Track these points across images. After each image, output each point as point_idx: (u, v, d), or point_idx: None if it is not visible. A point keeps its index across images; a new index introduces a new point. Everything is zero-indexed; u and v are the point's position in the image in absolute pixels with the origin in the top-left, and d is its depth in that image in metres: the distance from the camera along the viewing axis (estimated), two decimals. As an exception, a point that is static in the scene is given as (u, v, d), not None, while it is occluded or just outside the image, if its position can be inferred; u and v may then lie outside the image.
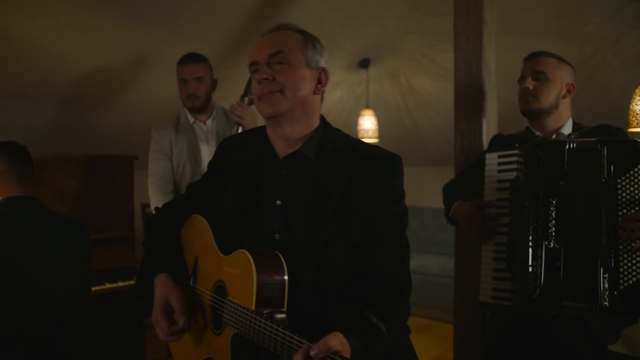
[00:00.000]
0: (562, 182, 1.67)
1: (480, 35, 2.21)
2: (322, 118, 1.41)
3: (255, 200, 1.37)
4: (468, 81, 2.24)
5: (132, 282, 2.91)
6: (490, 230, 1.82)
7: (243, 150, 1.43)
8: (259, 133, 1.44)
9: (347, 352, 1.05)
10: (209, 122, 2.67)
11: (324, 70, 1.36)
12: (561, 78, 1.92)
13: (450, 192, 2.08)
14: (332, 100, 4.45)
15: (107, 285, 2.80)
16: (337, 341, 1.04)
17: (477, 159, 2.09)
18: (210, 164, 1.54)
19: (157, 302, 1.36)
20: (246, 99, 2.42)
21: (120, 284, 2.86)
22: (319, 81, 1.35)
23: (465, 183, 2.07)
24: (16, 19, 2.70)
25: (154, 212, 2.55)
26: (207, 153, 2.64)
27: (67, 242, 2.11)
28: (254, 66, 1.33)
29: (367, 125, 4.14)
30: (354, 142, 1.38)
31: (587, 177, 1.66)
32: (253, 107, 2.57)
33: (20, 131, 3.27)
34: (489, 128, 2.26)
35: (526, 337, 1.78)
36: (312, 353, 1.00)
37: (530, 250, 1.69)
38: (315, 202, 1.30)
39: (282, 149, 1.37)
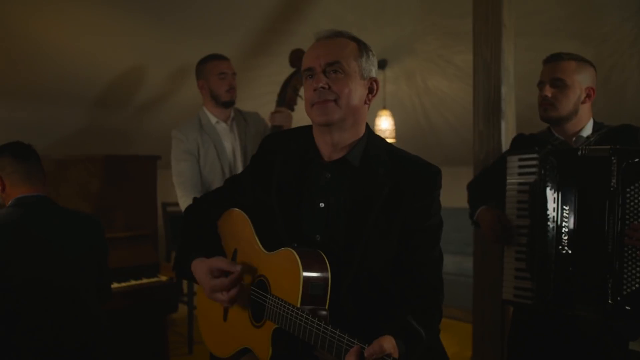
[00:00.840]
0: (573, 190, 1.71)
1: (499, 37, 2.25)
2: (367, 126, 1.45)
3: (298, 200, 1.41)
4: (487, 83, 2.28)
5: (156, 279, 2.99)
6: (509, 239, 1.87)
7: (288, 150, 1.46)
8: (305, 134, 1.46)
9: (396, 355, 1.09)
10: (229, 122, 2.75)
11: (375, 80, 1.40)
12: (580, 83, 1.91)
13: (475, 193, 2.13)
14: (349, 100, 4.50)
15: (132, 282, 2.88)
16: (390, 344, 1.09)
17: (499, 159, 2.13)
18: (253, 159, 1.56)
19: (203, 275, 1.40)
20: (282, 105, 2.50)
21: (145, 280, 2.94)
22: (370, 91, 1.39)
23: (488, 182, 2.11)
24: (49, 23, 2.78)
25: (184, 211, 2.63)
26: (231, 152, 2.72)
27: (80, 236, 2.13)
28: (308, 72, 1.36)
29: (384, 126, 4.18)
30: (397, 152, 1.42)
31: (597, 185, 1.70)
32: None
33: (50, 132, 3.37)
34: (507, 129, 2.30)
35: (548, 334, 1.82)
36: (366, 354, 1.05)
37: (546, 253, 1.74)
38: (358, 208, 1.34)
39: (327, 153, 1.40)
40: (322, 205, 1.38)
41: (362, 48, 1.38)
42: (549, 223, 1.75)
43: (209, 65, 2.69)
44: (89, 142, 3.73)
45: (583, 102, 1.92)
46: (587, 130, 1.94)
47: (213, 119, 2.72)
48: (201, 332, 1.66)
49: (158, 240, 3.42)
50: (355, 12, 3.36)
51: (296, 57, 2.81)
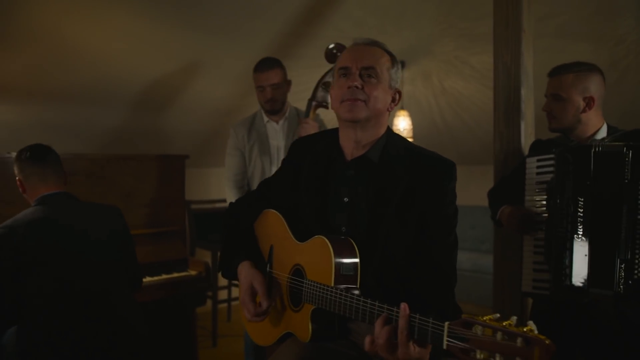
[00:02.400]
0: (588, 182, 1.81)
1: (519, 42, 2.34)
2: (388, 128, 1.56)
3: (324, 196, 1.54)
4: (507, 86, 2.37)
5: (186, 273, 3.12)
6: (529, 226, 1.96)
7: (315, 151, 1.60)
8: (331, 136, 1.60)
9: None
10: (281, 122, 2.87)
11: (398, 91, 1.52)
12: (577, 95, 1.97)
13: (495, 198, 2.23)
14: (368, 101, 4.59)
15: (164, 276, 3.01)
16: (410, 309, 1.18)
17: (519, 165, 2.22)
18: (284, 161, 1.71)
19: (243, 287, 1.55)
20: (313, 104, 2.60)
21: (175, 274, 3.06)
22: (393, 100, 1.51)
23: (508, 187, 2.21)
24: (84, 29, 2.91)
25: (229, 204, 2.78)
26: (276, 150, 2.85)
27: (104, 224, 2.23)
28: (343, 70, 1.48)
29: (402, 126, 4.27)
30: (414, 148, 1.53)
31: (611, 178, 1.79)
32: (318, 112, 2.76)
33: (84, 132, 3.50)
34: (526, 129, 2.39)
35: (566, 321, 1.92)
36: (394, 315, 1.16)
37: (563, 242, 1.84)
38: (378, 201, 1.46)
39: (350, 151, 1.52)
40: (346, 199, 1.51)
41: (394, 61, 1.51)
42: (564, 214, 1.84)
43: (254, 76, 2.82)
44: (121, 142, 3.87)
45: (583, 112, 1.99)
46: (602, 134, 2.03)
47: (265, 118, 2.87)
48: (244, 325, 1.77)
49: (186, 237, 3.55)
50: (375, 15, 3.46)
51: (330, 53, 2.82)
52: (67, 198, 2.21)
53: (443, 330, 1.06)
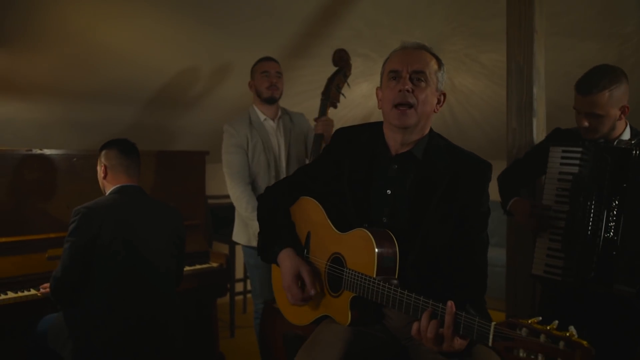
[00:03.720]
0: (625, 185, 1.87)
1: (532, 42, 2.45)
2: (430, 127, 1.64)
3: (367, 187, 1.61)
4: (519, 84, 2.48)
5: (208, 265, 3.23)
6: (544, 227, 2.03)
7: (359, 142, 1.66)
8: (375, 129, 1.65)
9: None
10: (276, 120, 2.97)
11: (444, 93, 1.59)
12: (614, 108, 1.99)
13: (506, 184, 2.28)
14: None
15: (187, 268, 3.10)
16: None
17: (534, 150, 2.28)
18: (326, 149, 1.77)
19: (289, 272, 1.63)
20: (327, 103, 2.72)
21: (198, 267, 3.17)
22: (438, 101, 1.58)
23: (521, 171, 2.27)
24: (115, 32, 3.01)
25: (235, 201, 2.87)
26: (277, 147, 2.95)
27: (168, 224, 2.41)
28: (393, 74, 1.53)
29: (413, 122, 4.36)
30: (454, 148, 1.61)
31: None
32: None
33: (110, 130, 3.61)
34: (538, 126, 2.50)
35: (575, 307, 2.03)
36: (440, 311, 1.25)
37: (588, 237, 1.91)
38: (421, 196, 1.53)
39: (395, 147, 1.59)
40: (389, 192, 1.58)
41: (440, 65, 1.57)
42: (597, 211, 1.90)
43: (257, 66, 2.95)
44: (143, 138, 3.97)
45: (619, 119, 2.03)
46: (627, 135, 2.08)
47: (262, 116, 2.95)
48: (279, 305, 1.88)
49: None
50: (389, 15, 3.55)
51: (339, 57, 2.98)
52: (140, 192, 2.41)
53: (489, 330, 1.16)
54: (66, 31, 2.89)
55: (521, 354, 1.10)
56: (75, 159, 2.93)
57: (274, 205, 1.82)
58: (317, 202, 1.72)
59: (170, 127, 4.11)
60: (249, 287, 4.72)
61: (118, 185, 2.36)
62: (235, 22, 3.20)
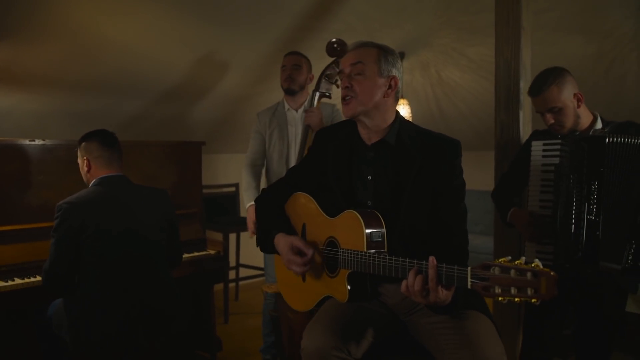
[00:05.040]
0: (602, 169, 2.01)
1: (519, 39, 2.57)
2: (397, 113, 1.78)
3: (350, 176, 1.77)
4: (507, 78, 2.60)
5: (205, 252, 3.32)
6: (541, 235, 2.15)
7: (337, 139, 1.83)
8: (350, 125, 1.82)
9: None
10: (300, 110, 3.09)
11: (393, 77, 1.71)
12: (568, 98, 2.16)
13: (500, 199, 2.42)
14: (368, 90, 4.79)
15: (185, 255, 3.18)
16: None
17: (517, 159, 2.40)
18: (310, 149, 1.93)
19: (285, 249, 1.76)
20: (317, 94, 2.81)
21: (196, 254, 3.25)
22: (389, 87, 1.71)
23: (509, 183, 2.41)
24: (115, 25, 3.07)
25: (242, 179, 3.03)
26: (293, 136, 3.09)
27: (155, 206, 2.45)
28: (341, 74, 1.73)
29: (402, 113, 4.48)
30: (423, 131, 1.77)
31: (623, 165, 2.00)
32: (323, 100, 2.96)
33: (108, 121, 3.66)
34: (524, 118, 2.63)
35: (562, 289, 2.16)
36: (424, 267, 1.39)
37: (573, 221, 2.04)
38: (398, 178, 1.69)
39: (367, 137, 1.76)
40: (369, 178, 1.74)
41: (382, 52, 1.71)
42: (578, 196, 2.04)
43: (283, 61, 3.09)
44: (142, 129, 4.03)
45: (578, 107, 2.19)
46: (599, 125, 2.24)
47: (286, 106, 3.11)
48: (282, 294, 2.00)
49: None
50: (379, 9, 3.65)
51: (331, 47, 2.95)
52: (123, 180, 2.42)
53: (467, 273, 1.31)
54: (67, 24, 2.94)
55: (497, 291, 1.24)
56: (76, 149, 2.98)
57: (269, 203, 1.98)
58: (308, 195, 1.87)
59: (168, 118, 4.17)
60: (241, 275, 4.84)
61: (99, 177, 2.38)
62: (231, 16, 3.27)
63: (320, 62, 3.15)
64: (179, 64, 3.60)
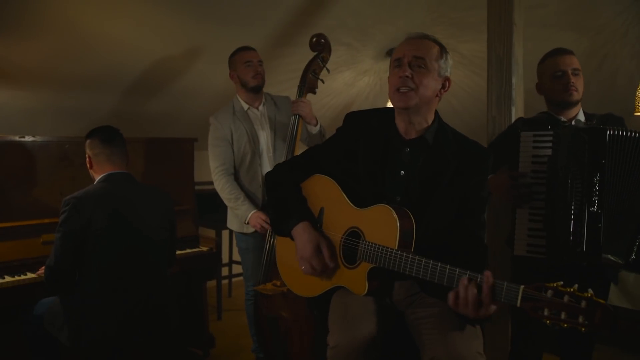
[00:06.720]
0: (604, 161, 2.00)
1: (511, 35, 2.57)
2: (437, 113, 1.77)
3: (382, 168, 1.73)
4: (499, 75, 2.60)
5: (198, 249, 3.32)
6: (527, 196, 2.12)
7: (370, 126, 1.78)
8: (386, 115, 1.78)
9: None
10: (260, 107, 3.02)
11: (448, 78, 1.71)
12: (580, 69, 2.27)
13: None
14: (361, 86, 4.79)
15: (178, 252, 3.17)
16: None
17: (507, 130, 2.41)
18: (339, 130, 1.87)
19: (310, 245, 1.72)
20: (304, 88, 2.79)
21: (188, 250, 3.26)
22: (443, 87, 1.70)
23: (496, 152, 2.39)
24: (101, 20, 3.03)
25: (219, 192, 2.92)
26: (263, 135, 2.98)
27: (158, 207, 2.45)
28: (396, 62, 1.66)
29: (394, 110, 4.47)
30: (460, 135, 1.76)
31: (626, 158, 2.00)
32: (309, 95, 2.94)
33: (97, 116, 3.64)
34: (516, 114, 2.63)
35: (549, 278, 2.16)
36: (479, 281, 1.38)
37: (572, 213, 2.02)
38: (431, 177, 1.68)
39: (405, 131, 1.73)
40: (402, 173, 1.72)
41: (443, 52, 1.70)
42: (578, 188, 2.02)
43: (237, 57, 2.98)
44: (133, 125, 4.00)
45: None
46: (581, 116, 2.28)
47: (245, 106, 2.99)
48: (283, 278, 1.95)
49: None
50: (372, 5, 3.64)
51: (316, 41, 2.96)
52: (128, 178, 2.42)
53: (518, 292, 1.30)
54: (56, 20, 2.91)
55: (545, 313, 1.24)
56: (67, 146, 2.97)
57: (284, 181, 1.91)
58: (332, 180, 1.82)
59: (160, 115, 4.15)
60: (234, 272, 4.83)
61: (105, 174, 2.38)
62: (219, 10, 3.24)
63: (310, 57, 3.13)
64: (170, 60, 3.58)
